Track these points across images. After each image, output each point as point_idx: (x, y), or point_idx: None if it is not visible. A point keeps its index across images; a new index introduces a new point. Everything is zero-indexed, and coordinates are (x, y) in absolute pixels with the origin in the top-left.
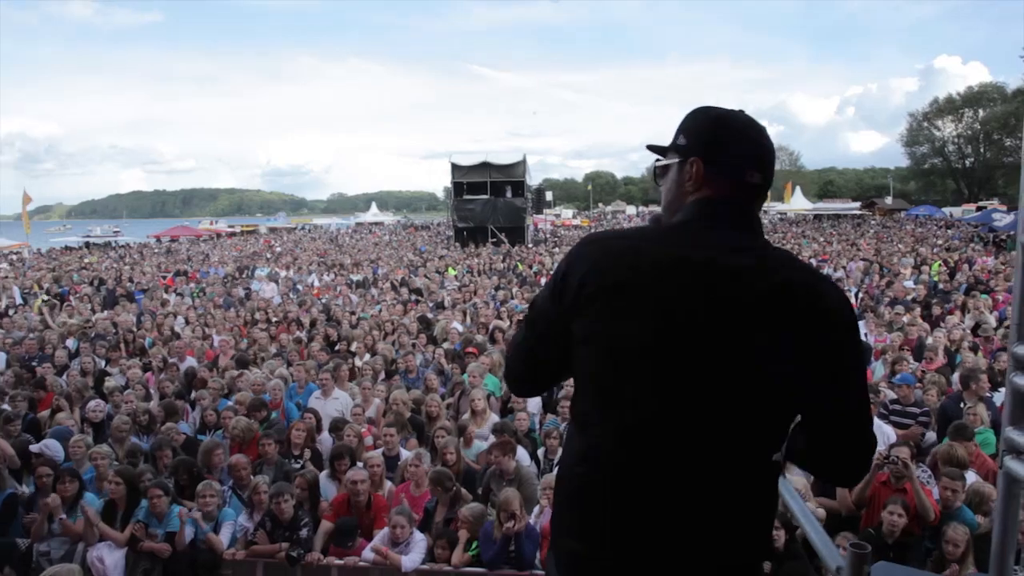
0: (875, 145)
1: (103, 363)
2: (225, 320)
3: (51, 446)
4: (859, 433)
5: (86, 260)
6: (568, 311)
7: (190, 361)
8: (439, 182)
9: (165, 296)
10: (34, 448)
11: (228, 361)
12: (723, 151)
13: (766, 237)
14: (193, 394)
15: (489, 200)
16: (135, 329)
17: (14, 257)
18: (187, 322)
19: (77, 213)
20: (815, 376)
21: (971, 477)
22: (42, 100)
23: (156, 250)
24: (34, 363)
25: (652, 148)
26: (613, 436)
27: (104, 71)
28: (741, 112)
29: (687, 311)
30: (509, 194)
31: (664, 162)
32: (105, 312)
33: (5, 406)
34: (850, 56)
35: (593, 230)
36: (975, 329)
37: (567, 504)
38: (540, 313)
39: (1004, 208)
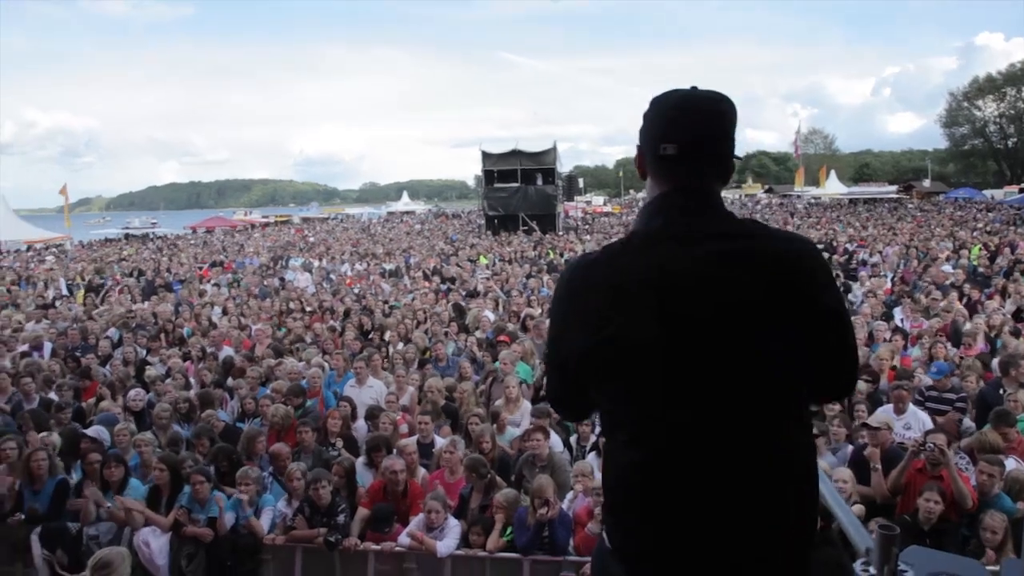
0: (913, 127)
1: (144, 352)
2: (261, 310)
3: (98, 433)
4: (853, 359)
5: (125, 252)
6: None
7: (227, 350)
8: (469, 170)
9: (202, 287)
10: (91, 432)
11: (264, 350)
12: (645, 132)
13: (795, 223)
14: (231, 382)
15: (520, 188)
16: (174, 319)
17: (56, 249)
18: (224, 312)
19: (116, 205)
20: (815, 337)
21: (1011, 464)
22: (80, 95)
23: (192, 241)
24: (78, 353)
25: None
26: (666, 439)
27: (138, 65)
28: (677, 89)
29: (687, 315)
30: (540, 182)
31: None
32: (145, 303)
33: (52, 395)
34: (886, 36)
35: (623, 217)
36: (1016, 314)
37: (631, 509)
38: (567, 349)
39: None
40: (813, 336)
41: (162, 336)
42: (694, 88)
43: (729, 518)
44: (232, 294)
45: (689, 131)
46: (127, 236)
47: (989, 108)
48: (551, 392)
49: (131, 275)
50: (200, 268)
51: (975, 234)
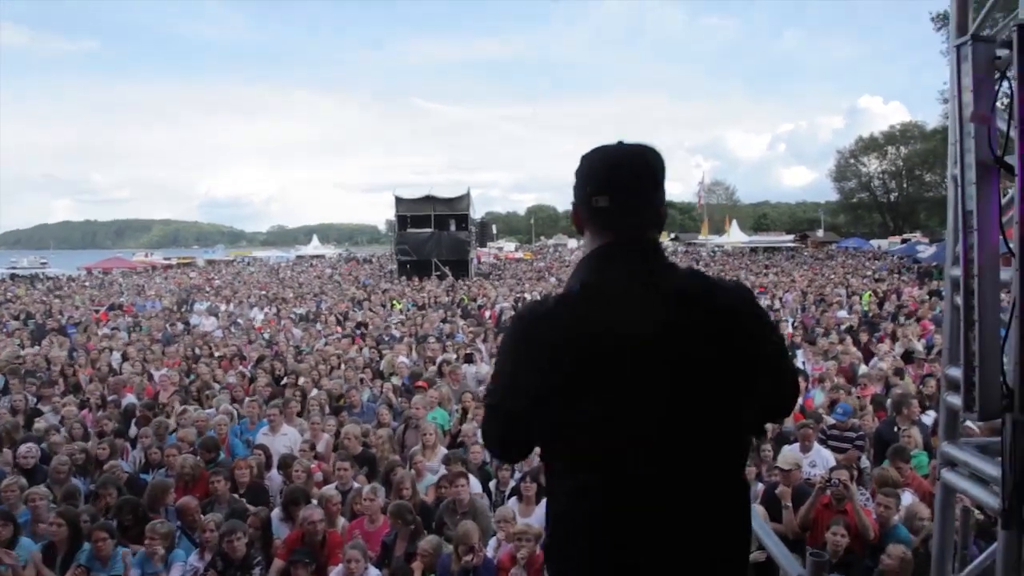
0: (806, 180)
1: (35, 401)
2: (165, 355)
3: None
4: (796, 391)
5: (11, 292)
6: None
7: (129, 398)
8: (381, 215)
9: (99, 331)
10: None
11: (170, 397)
12: (579, 188)
13: (702, 269)
14: (133, 431)
15: (433, 233)
16: (69, 364)
17: None
18: (124, 357)
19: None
20: (768, 378)
21: (907, 498)
22: None
23: (87, 283)
24: None
25: None
26: (628, 491)
27: (37, 99)
28: (605, 145)
29: (659, 365)
30: (453, 227)
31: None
32: (36, 347)
33: None
34: (780, 95)
35: (535, 263)
36: (905, 356)
37: (581, 555)
38: (519, 396)
39: (927, 240)
40: (766, 377)
41: (61, 382)
42: (620, 143)
43: (683, 564)
44: (133, 338)
45: (620, 184)
46: (12, 276)
47: (873, 164)
48: (491, 433)
49: (18, 318)
50: (97, 311)
51: (865, 281)
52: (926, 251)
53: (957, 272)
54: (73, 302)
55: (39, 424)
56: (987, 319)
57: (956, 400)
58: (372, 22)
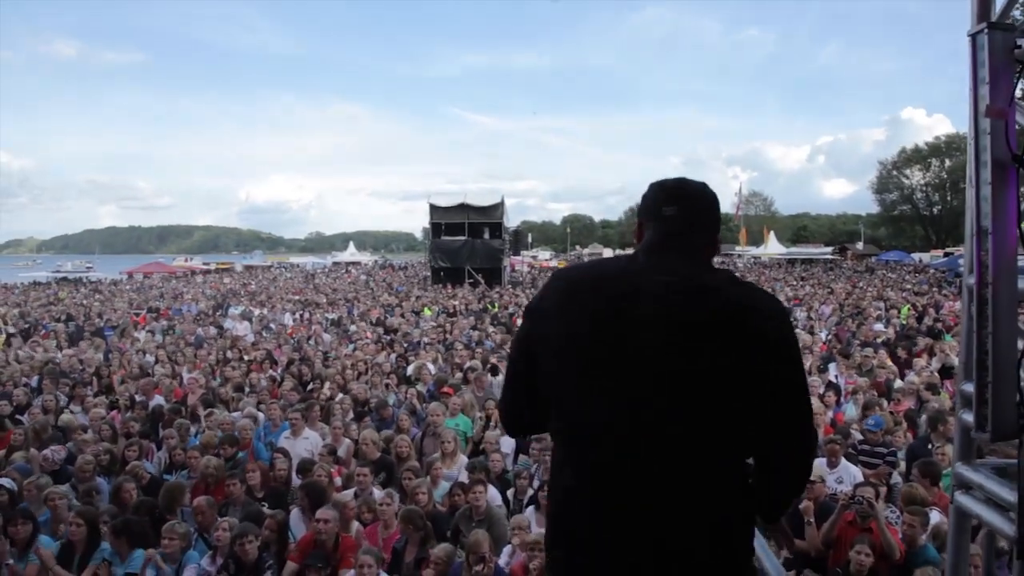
0: (845, 192)
1: (66, 401)
2: (196, 358)
3: (3, 484)
4: (803, 429)
5: (55, 296)
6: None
7: (158, 399)
8: (417, 223)
9: (136, 334)
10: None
11: (196, 400)
12: (648, 202)
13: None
14: (160, 433)
15: (467, 241)
16: (105, 366)
17: None
18: (156, 360)
19: (48, 247)
20: (758, 396)
21: (935, 517)
22: (21, 136)
23: (128, 286)
24: None
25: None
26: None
27: (86, 108)
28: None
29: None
30: (487, 235)
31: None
32: (72, 349)
33: None
34: (819, 107)
35: None
36: (942, 371)
37: (556, 519)
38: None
39: None
40: (771, 406)
41: (94, 382)
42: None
43: (645, 530)
44: (165, 341)
45: (685, 200)
46: (57, 279)
47: (916, 177)
48: (507, 403)
49: (60, 320)
50: (136, 314)
51: (904, 295)
52: None
53: (973, 281)
54: (112, 305)
55: (64, 418)
56: (1002, 331)
57: (970, 418)
58: (408, 33)
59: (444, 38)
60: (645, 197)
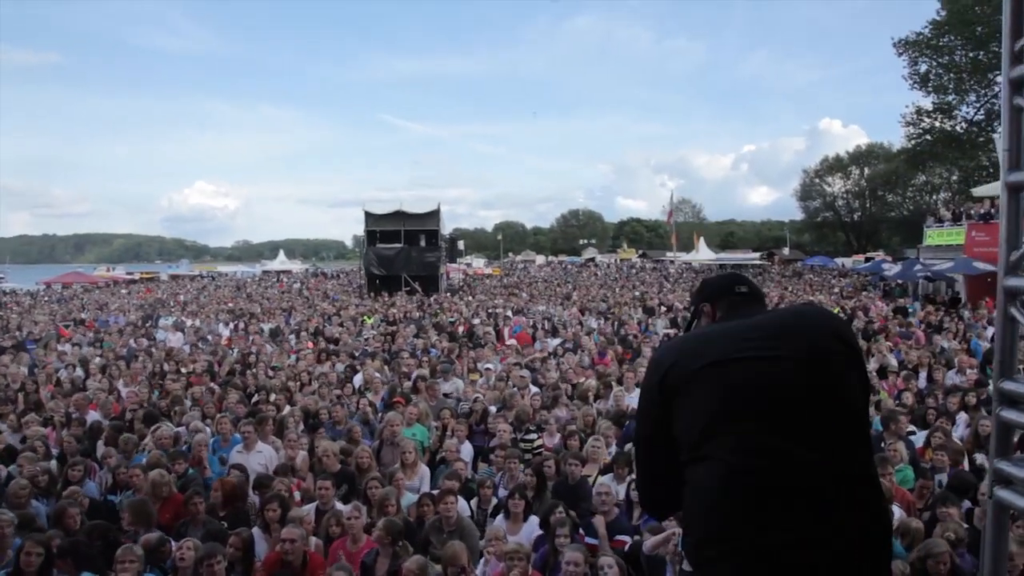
0: (769, 199)
1: None
2: (130, 371)
3: None
4: None
5: None
6: None
7: (93, 415)
8: (347, 230)
9: (61, 348)
10: None
11: (136, 414)
12: (715, 288)
13: (669, 286)
14: (100, 451)
15: (403, 248)
16: (31, 381)
17: None
18: (87, 374)
19: None
20: None
21: (897, 512)
22: None
23: (47, 298)
24: None
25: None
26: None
27: None
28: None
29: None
30: (423, 243)
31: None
32: None
33: None
34: (744, 116)
35: (504, 279)
36: (879, 371)
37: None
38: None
39: (890, 259)
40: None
41: (20, 398)
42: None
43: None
44: (92, 353)
45: (745, 284)
46: None
47: (837, 184)
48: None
49: None
50: (65, 326)
51: (832, 298)
52: (892, 269)
53: (1013, 282)
54: (32, 317)
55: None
56: None
57: (1012, 415)
58: (338, 37)
59: (374, 42)
60: (709, 284)
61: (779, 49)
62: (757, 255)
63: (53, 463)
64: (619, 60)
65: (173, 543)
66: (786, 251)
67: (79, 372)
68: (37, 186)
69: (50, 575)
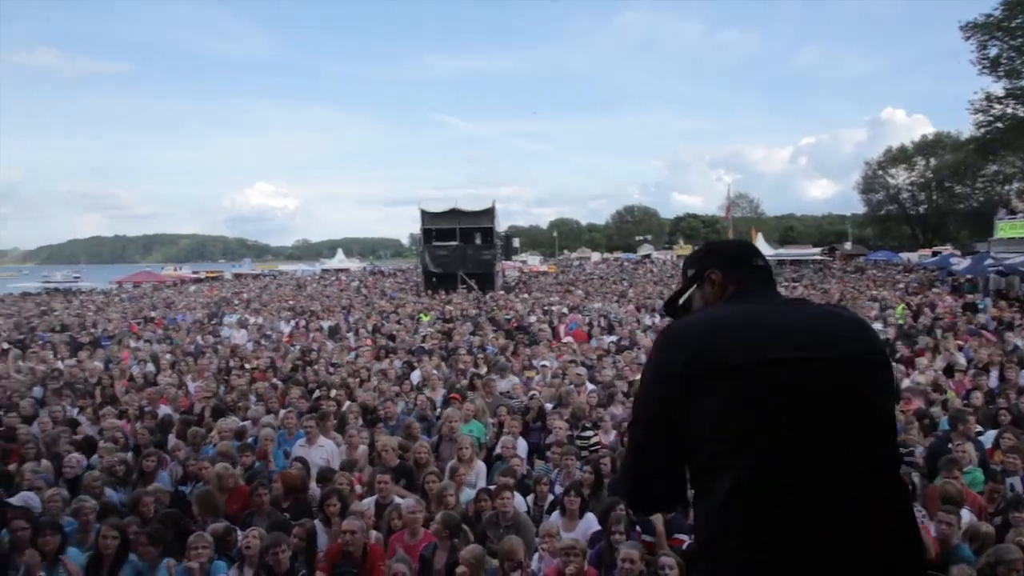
0: (829, 192)
1: (75, 411)
2: (197, 366)
3: (26, 500)
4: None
5: (47, 306)
6: None
7: (164, 409)
8: (403, 228)
9: (135, 344)
10: (17, 500)
11: (204, 408)
12: (731, 258)
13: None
14: (171, 443)
15: (459, 246)
16: (107, 376)
17: None
18: (158, 369)
19: (33, 258)
20: None
21: (967, 516)
22: (5, 146)
23: (119, 296)
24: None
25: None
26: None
27: (68, 118)
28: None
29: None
30: (479, 240)
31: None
32: (74, 359)
33: None
34: (800, 108)
35: (559, 276)
36: (947, 370)
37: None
38: None
39: (959, 253)
40: None
41: (97, 393)
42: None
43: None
44: (163, 350)
45: (762, 257)
46: (48, 290)
47: (901, 176)
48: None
49: (55, 330)
50: (136, 324)
51: (897, 294)
52: (960, 264)
53: None
54: (106, 315)
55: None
56: None
57: None
58: (390, 38)
59: (425, 42)
60: (722, 253)
61: (836, 38)
62: (817, 250)
63: (129, 454)
64: (668, 54)
65: (239, 532)
66: (848, 246)
67: (150, 367)
68: (109, 190)
69: (126, 558)
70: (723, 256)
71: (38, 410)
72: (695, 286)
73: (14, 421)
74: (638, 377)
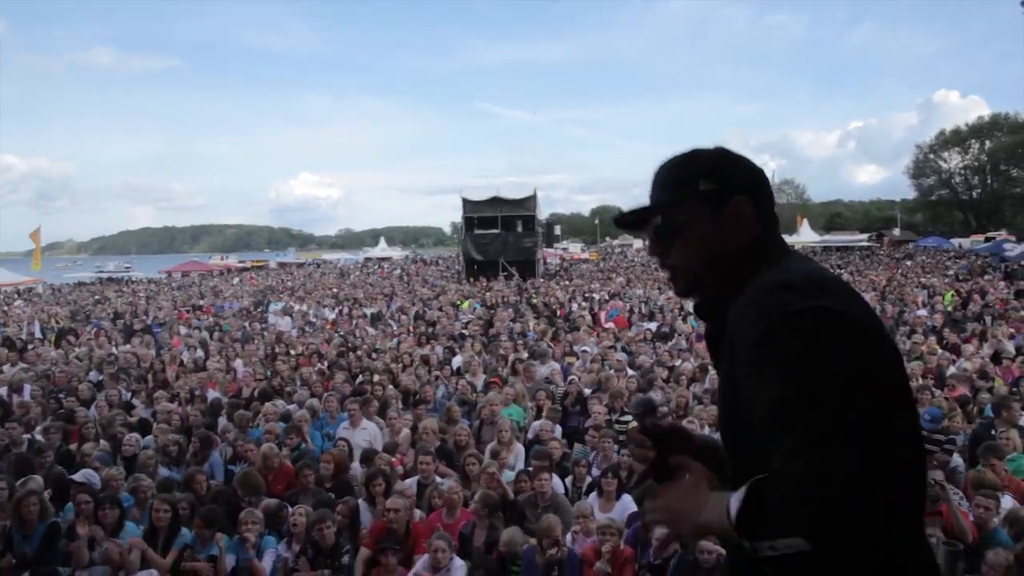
0: (879, 178)
1: (129, 395)
2: (244, 352)
3: (86, 476)
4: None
5: (105, 295)
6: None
7: (212, 393)
8: (445, 217)
9: (184, 331)
10: (79, 476)
11: (252, 392)
12: (754, 181)
13: None
14: (221, 425)
15: (500, 234)
16: (159, 361)
17: (27, 293)
18: (207, 355)
19: (87, 249)
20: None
21: (1008, 501)
22: (60, 141)
23: (168, 285)
24: (60, 396)
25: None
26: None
27: (121, 113)
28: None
29: None
30: (520, 228)
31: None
32: (128, 345)
33: (38, 436)
34: (849, 92)
35: (601, 264)
36: (994, 357)
37: None
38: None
39: (1013, 238)
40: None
41: (149, 378)
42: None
43: None
44: (214, 337)
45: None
46: (106, 279)
47: (954, 160)
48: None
49: (109, 318)
50: (184, 311)
51: (946, 281)
52: (1015, 249)
53: None
54: (156, 303)
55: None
56: None
57: None
58: (433, 27)
59: (468, 31)
60: (740, 168)
61: (887, 19)
62: (865, 236)
63: (180, 436)
64: (715, 40)
65: (289, 509)
66: (897, 232)
67: (199, 353)
68: (158, 182)
69: (179, 532)
70: (755, 178)
71: (95, 393)
72: (690, 214)
73: (73, 404)
74: (678, 363)
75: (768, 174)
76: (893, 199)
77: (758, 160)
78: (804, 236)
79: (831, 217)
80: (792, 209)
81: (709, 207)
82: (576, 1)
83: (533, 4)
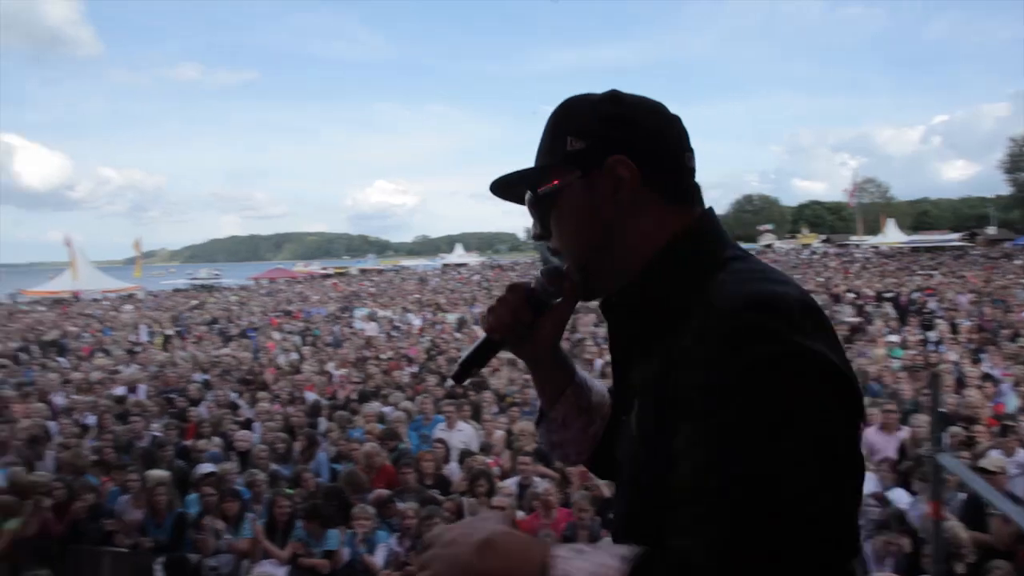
0: (968, 173)
1: (235, 396)
2: (338, 356)
3: (205, 470)
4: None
5: (203, 300)
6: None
7: (310, 395)
8: (519, 222)
9: (278, 335)
10: (206, 468)
11: (349, 394)
12: (660, 140)
13: (854, 271)
14: (323, 425)
15: None
16: (257, 364)
17: (131, 299)
18: (302, 358)
19: (178, 257)
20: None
21: None
22: (152, 154)
23: (257, 291)
24: (171, 395)
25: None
26: None
27: (208, 126)
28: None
29: None
30: None
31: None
32: (227, 349)
33: (157, 433)
34: (932, 85)
35: None
36: None
37: None
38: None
39: None
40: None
41: (251, 380)
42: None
43: None
44: (306, 341)
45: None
46: (201, 286)
47: None
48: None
49: (206, 323)
50: (275, 317)
51: None
52: None
53: None
54: (249, 309)
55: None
56: None
57: None
58: (499, 34)
59: (534, 36)
60: (644, 124)
61: (972, 5)
62: (957, 235)
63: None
64: (786, 34)
65: (400, 503)
66: (991, 230)
67: (294, 356)
68: (242, 192)
69: (294, 525)
70: (647, 129)
71: (204, 393)
72: (560, 183)
73: (183, 403)
74: None
75: (848, 173)
76: (985, 196)
77: (835, 159)
78: (890, 236)
79: (918, 216)
80: (875, 209)
81: (581, 174)
82: (643, 3)
83: (595, 6)
